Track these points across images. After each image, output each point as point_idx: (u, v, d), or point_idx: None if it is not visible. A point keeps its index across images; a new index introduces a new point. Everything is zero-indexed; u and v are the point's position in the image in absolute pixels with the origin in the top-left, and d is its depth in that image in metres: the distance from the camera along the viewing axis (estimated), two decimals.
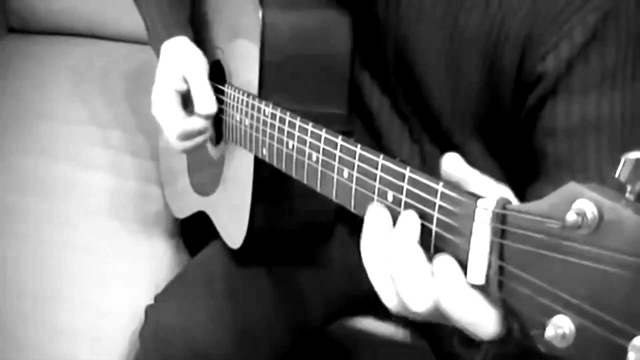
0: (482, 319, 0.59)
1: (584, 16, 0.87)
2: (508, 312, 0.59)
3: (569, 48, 0.88)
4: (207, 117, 1.11)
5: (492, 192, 0.61)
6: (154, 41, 1.20)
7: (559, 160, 0.92)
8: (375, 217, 0.68)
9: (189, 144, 1.15)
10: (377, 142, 1.11)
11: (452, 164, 0.65)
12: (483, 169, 0.64)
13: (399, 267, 0.63)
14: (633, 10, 0.88)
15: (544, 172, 0.94)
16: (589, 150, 0.90)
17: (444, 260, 0.62)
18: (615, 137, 0.89)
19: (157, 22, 1.20)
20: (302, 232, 1.14)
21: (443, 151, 1.04)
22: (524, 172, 0.98)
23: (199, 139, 1.15)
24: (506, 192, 0.62)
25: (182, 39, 1.16)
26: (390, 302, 0.66)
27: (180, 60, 1.14)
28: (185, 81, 1.12)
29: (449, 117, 1.02)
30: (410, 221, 0.65)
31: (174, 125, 1.13)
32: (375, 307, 1.31)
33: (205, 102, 1.11)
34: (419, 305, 0.62)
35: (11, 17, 2.00)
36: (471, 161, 0.65)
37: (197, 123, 1.12)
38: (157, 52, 1.18)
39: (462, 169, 0.64)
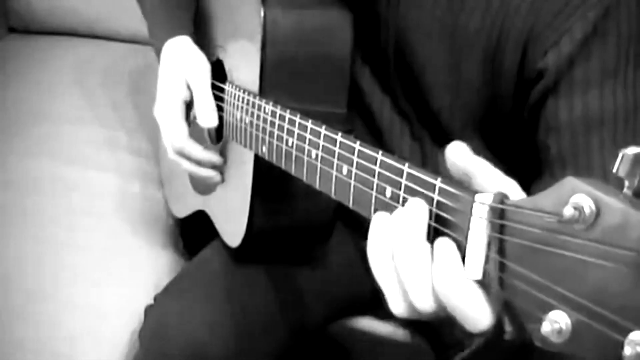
0: (474, 309, 0.59)
1: (584, 12, 0.87)
2: (504, 310, 0.59)
3: (570, 44, 0.88)
4: (207, 129, 1.15)
5: (497, 184, 0.61)
6: (156, 40, 1.19)
7: (563, 157, 0.92)
8: (382, 218, 0.67)
9: (182, 162, 1.18)
10: (378, 140, 1.11)
11: (458, 153, 0.64)
12: None
13: (403, 256, 0.62)
14: (634, 5, 0.88)
15: (547, 169, 0.94)
16: (592, 146, 0.90)
17: (443, 243, 0.61)
18: (619, 132, 0.89)
19: (160, 21, 1.20)
20: (302, 231, 1.14)
21: (443, 149, 1.05)
22: (524, 169, 0.98)
23: (193, 168, 1.18)
24: (513, 185, 0.61)
25: (184, 39, 1.16)
26: (396, 302, 0.64)
27: (184, 64, 1.14)
28: (189, 88, 1.13)
29: (449, 115, 1.02)
30: (416, 207, 0.64)
31: (175, 139, 1.15)
32: (375, 307, 1.32)
33: (208, 115, 1.12)
34: (423, 301, 0.61)
35: (11, 17, 2.00)
36: None
37: (198, 153, 1.16)
38: (159, 52, 1.18)
39: (469, 158, 0.63)
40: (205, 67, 1.14)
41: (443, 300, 0.60)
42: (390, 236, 0.64)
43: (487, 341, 0.59)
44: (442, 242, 0.61)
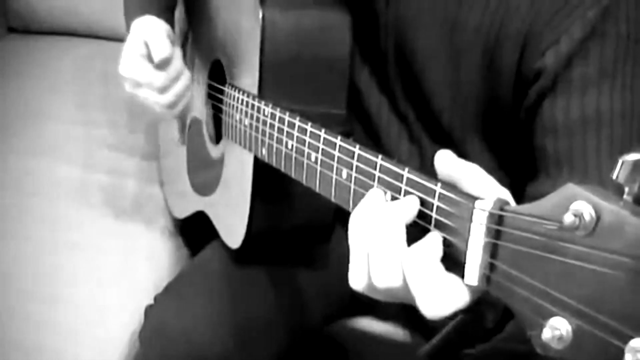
0: (439, 293, 0.61)
1: (583, 12, 0.87)
2: (487, 304, 0.60)
3: (569, 44, 0.87)
4: (164, 61, 1.12)
5: (487, 190, 0.62)
6: (127, 19, 1.19)
7: (559, 157, 0.91)
8: (374, 195, 0.70)
9: (173, 93, 1.15)
10: (375, 143, 1.11)
11: (444, 161, 0.65)
12: (483, 167, 0.64)
13: (378, 234, 0.65)
14: (633, 6, 0.88)
15: (543, 170, 0.94)
16: (588, 147, 0.89)
17: (432, 234, 0.64)
18: (615, 134, 0.89)
19: (133, 3, 1.20)
20: (302, 232, 1.14)
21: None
22: (524, 170, 0.97)
23: (180, 87, 1.15)
24: (503, 192, 0.62)
25: (151, 18, 1.16)
26: (357, 275, 0.68)
27: (144, 30, 1.14)
28: (147, 45, 1.13)
29: (450, 115, 1.01)
30: (408, 203, 0.66)
31: (150, 78, 1.12)
32: (375, 307, 1.32)
33: (159, 47, 1.11)
34: (382, 279, 0.65)
35: (11, 17, 1.99)
36: (472, 159, 0.64)
37: (171, 71, 1.13)
38: (128, 31, 1.18)
39: (454, 166, 0.64)
40: (163, 27, 1.15)
41: (409, 279, 0.62)
42: (376, 212, 0.67)
43: (459, 325, 0.62)
44: (431, 233, 0.64)
